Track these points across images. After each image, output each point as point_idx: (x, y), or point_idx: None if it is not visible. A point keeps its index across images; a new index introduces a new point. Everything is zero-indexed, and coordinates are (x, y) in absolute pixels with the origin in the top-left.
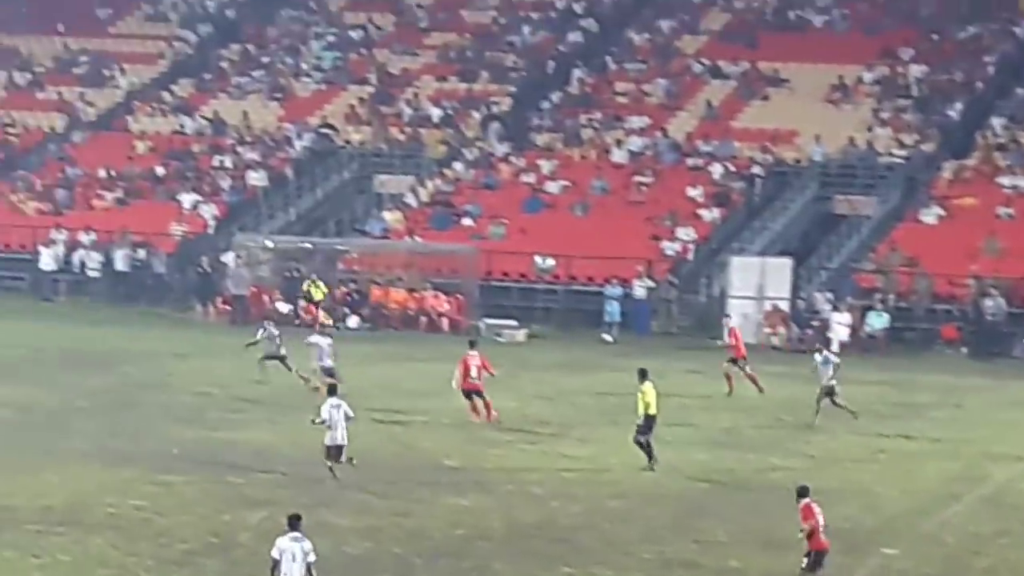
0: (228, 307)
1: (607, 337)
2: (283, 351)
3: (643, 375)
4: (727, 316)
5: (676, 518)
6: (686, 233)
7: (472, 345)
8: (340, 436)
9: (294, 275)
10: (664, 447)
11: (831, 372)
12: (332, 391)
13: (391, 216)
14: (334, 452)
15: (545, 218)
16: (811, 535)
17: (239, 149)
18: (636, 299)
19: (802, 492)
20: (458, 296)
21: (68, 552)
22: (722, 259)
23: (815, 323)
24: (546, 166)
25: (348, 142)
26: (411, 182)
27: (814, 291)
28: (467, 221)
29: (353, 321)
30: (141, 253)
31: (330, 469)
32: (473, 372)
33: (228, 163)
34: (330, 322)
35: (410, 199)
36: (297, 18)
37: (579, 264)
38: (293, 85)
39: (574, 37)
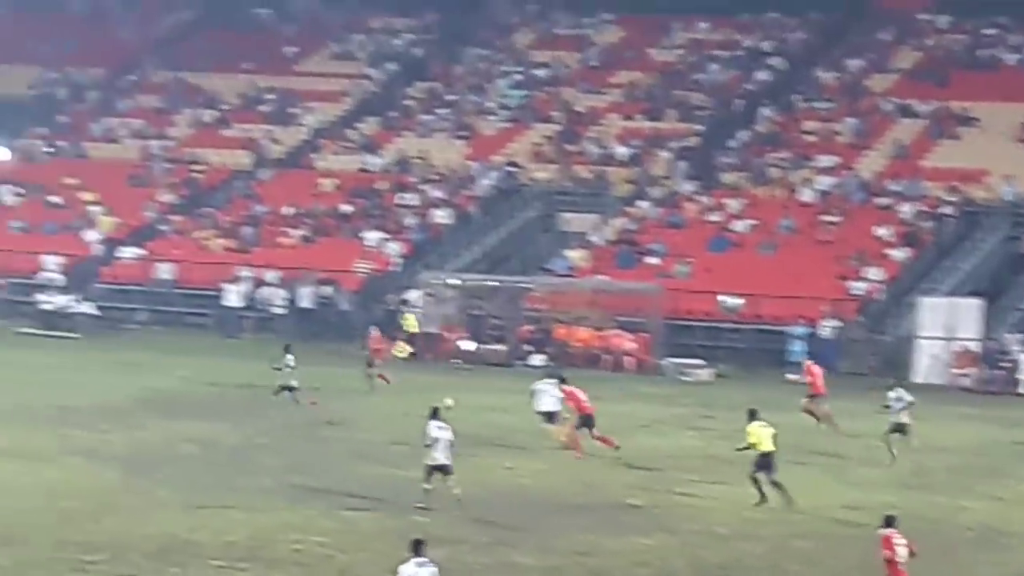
0: (412, 345)
1: (792, 377)
2: (294, 382)
3: (751, 415)
4: (807, 356)
5: (863, 560)
6: (874, 273)
7: (563, 381)
8: (443, 456)
9: (479, 313)
10: (851, 488)
11: (903, 407)
12: (435, 414)
13: (576, 254)
14: (435, 470)
15: (731, 257)
16: (889, 564)
17: (424, 187)
18: (822, 339)
19: (887, 522)
20: (643, 335)
21: None
22: (911, 299)
23: (1005, 364)
24: (733, 205)
25: (533, 180)
26: (596, 220)
27: (1004, 332)
28: (652, 259)
29: (537, 359)
30: (326, 290)
31: (425, 490)
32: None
33: (413, 201)
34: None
35: (595, 237)
36: (484, 56)
37: (765, 303)
38: (478, 123)
39: (762, 75)
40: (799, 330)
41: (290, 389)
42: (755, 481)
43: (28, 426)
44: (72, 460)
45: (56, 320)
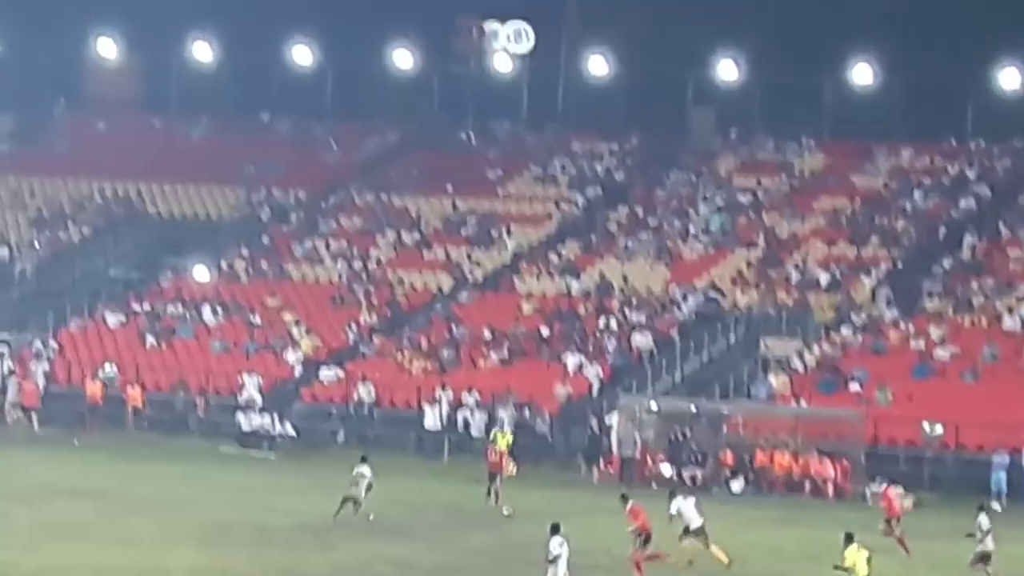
0: (615, 468)
1: (995, 506)
2: (362, 494)
3: (847, 539)
4: (880, 484)
5: None
6: None
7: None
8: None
9: (679, 438)
10: None
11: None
12: (555, 530)
13: (777, 380)
14: None
15: (934, 384)
16: None
17: (625, 311)
18: None
19: None
20: (844, 461)
21: None
22: None
23: None
24: (936, 332)
25: (735, 305)
26: (798, 346)
27: None
28: (854, 386)
29: (737, 485)
30: (525, 413)
31: None
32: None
33: (613, 324)
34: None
35: (796, 363)
36: (686, 181)
37: (967, 431)
38: (680, 248)
39: (966, 203)
40: (1002, 459)
41: (353, 501)
42: None
43: (226, 546)
44: None
45: (255, 440)
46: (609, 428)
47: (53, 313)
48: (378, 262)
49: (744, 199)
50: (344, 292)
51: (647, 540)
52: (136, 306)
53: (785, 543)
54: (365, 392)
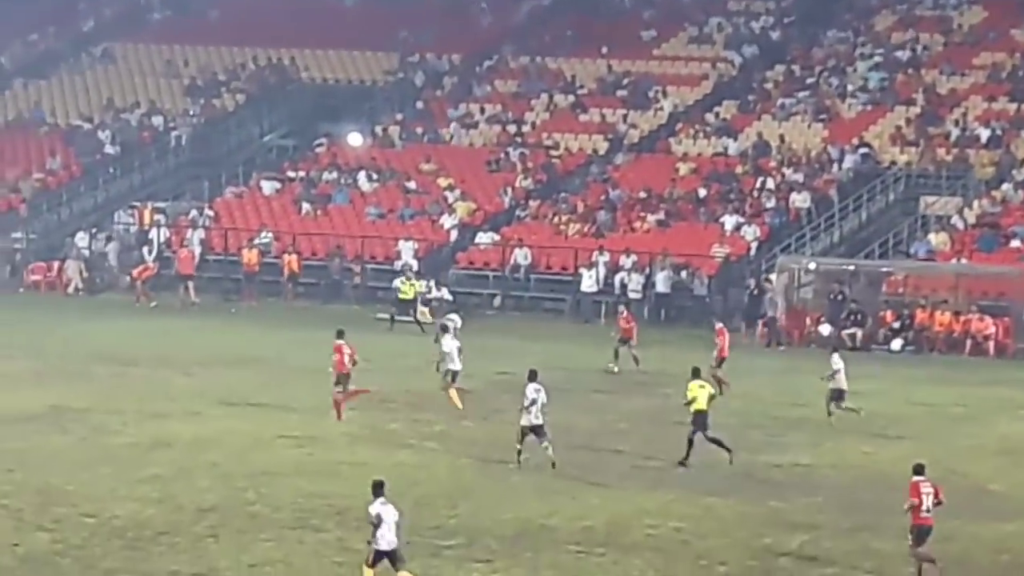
0: (767, 329)
1: None
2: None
3: (694, 373)
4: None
5: None
6: None
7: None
8: (535, 417)
9: (838, 298)
10: None
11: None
12: (532, 376)
13: (937, 238)
14: (527, 431)
15: None
16: (915, 510)
17: (782, 171)
18: None
19: (916, 470)
20: (1005, 319)
21: (607, 573)
22: None
23: None
24: None
25: (893, 163)
26: (958, 203)
27: None
28: (1015, 243)
29: (896, 343)
30: (682, 275)
31: (518, 452)
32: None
33: (771, 185)
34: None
35: (956, 221)
36: (843, 39)
37: None
38: (838, 106)
39: None
40: None
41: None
42: (689, 441)
43: (384, 412)
44: (427, 446)
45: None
46: (768, 288)
47: (208, 181)
48: (533, 125)
49: (902, 56)
50: (499, 157)
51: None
52: (291, 173)
53: (945, 401)
54: (521, 256)
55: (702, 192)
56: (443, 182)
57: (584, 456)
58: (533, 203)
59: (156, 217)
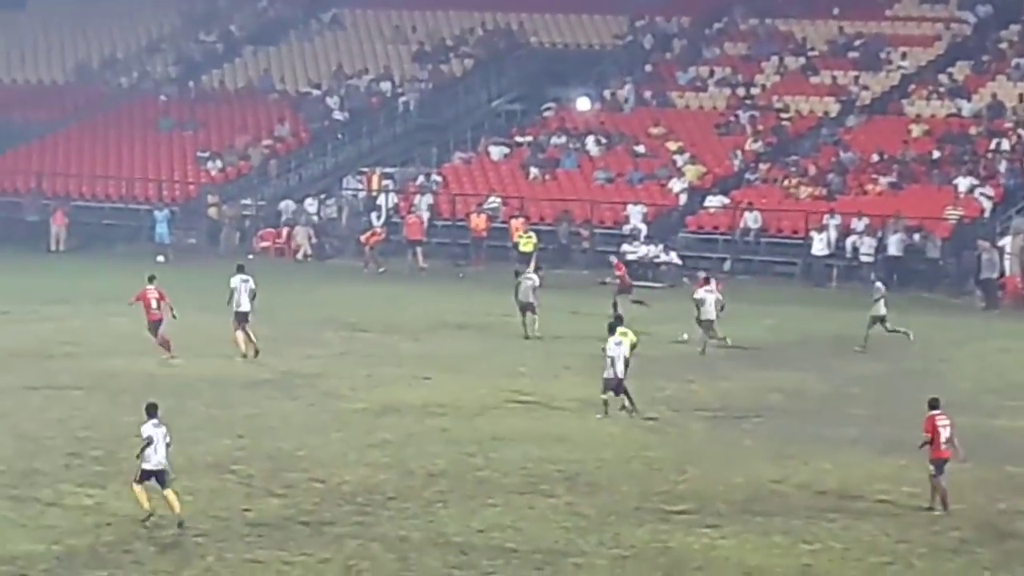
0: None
1: None
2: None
3: (618, 321)
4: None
5: None
6: None
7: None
8: (619, 371)
9: None
10: None
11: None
12: (612, 329)
13: None
14: (611, 384)
15: None
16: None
17: (1018, 132)
18: None
19: (931, 404)
20: None
21: (838, 538)
22: None
23: None
24: None
25: None
26: None
27: None
28: None
29: None
30: (915, 238)
31: (604, 403)
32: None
33: (1006, 146)
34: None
35: None
36: None
37: None
38: None
39: None
40: None
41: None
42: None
43: None
44: (658, 410)
45: (641, 270)
46: (984, 249)
47: (436, 147)
48: (763, 88)
49: None
50: (729, 119)
51: None
52: (519, 138)
53: None
54: (751, 220)
55: (935, 154)
56: (672, 145)
57: (815, 420)
58: (763, 166)
59: (384, 183)
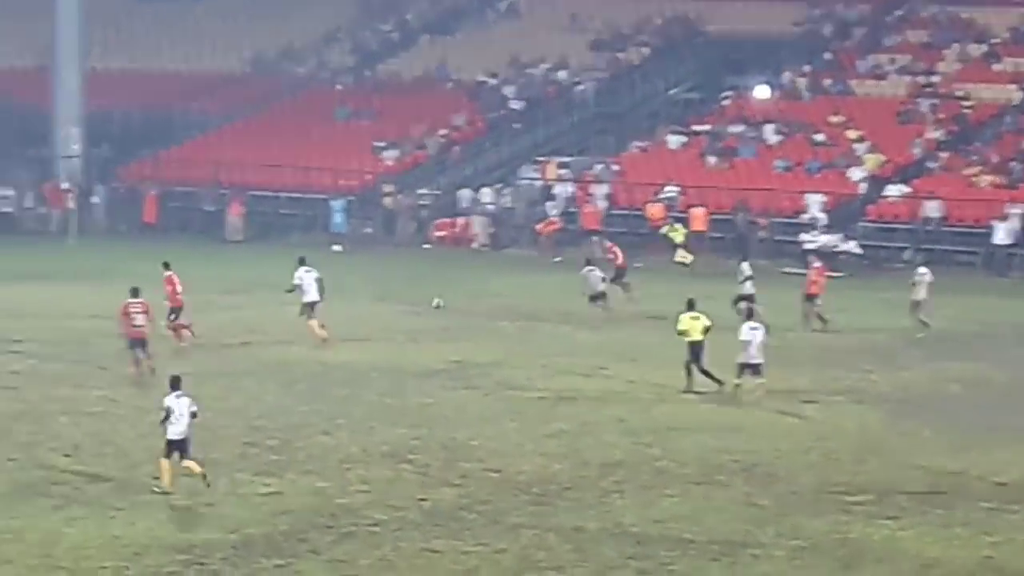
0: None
1: None
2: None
3: (687, 305)
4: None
5: None
6: None
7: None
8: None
9: None
10: None
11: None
12: (749, 315)
13: None
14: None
15: None
16: None
17: None
18: None
19: None
20: None
21: (1021, 530)
22: None
23: None
24: None
25: None
26: None
27: None
28: None
29: None
30: None
31: (736, 386)
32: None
33: None
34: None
35: None
36: None
37: None
38: None
39: None
40: None
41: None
42: (687, 369)
43: (790, 367)
44: (835, 400)
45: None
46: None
47: (613, 136)
48: (944, 76)
49: None
50: (910, 108)
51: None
52: (697, 127)
53: None
54: (932, 209)
55: None
56: (852, 134)
57: (996, 411)
58: (944, 155)
59: (560, 172)
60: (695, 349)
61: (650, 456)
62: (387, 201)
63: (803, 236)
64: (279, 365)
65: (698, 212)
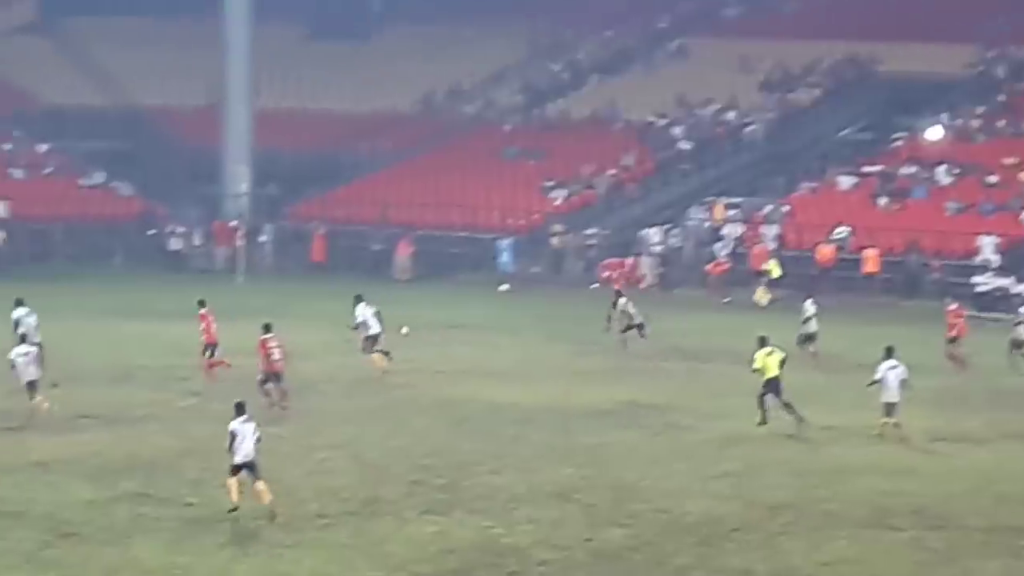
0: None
1: None
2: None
3: (760, 342)
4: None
5: None
6: None
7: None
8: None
9: None
10: None
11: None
12: (888, 354)
13: None
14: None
15: None
16: None
17: None
18: None
19: None
20: None
21: None
22: None
23: None
24: None
25: None
26: None
27: None
28: None
29: None
30: None
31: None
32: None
33: None
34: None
35: None
36: None
37: None
38: None
39: None
40: None
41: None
42: (759, 401)
43: (962, 410)
44: (1007, 443)
45: (991, 302)
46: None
47: (783, 177)
48: None
49: None
50: None
51: None
52: (867, 167)
53: None
54: None
55: None
56: None
57: None
58: None
59: (729, 212)
60: (774, 384)
61: (818, 498)
62: (555, 241)
63: (975, 279)
64: (446, 404)
65: (870, 254)
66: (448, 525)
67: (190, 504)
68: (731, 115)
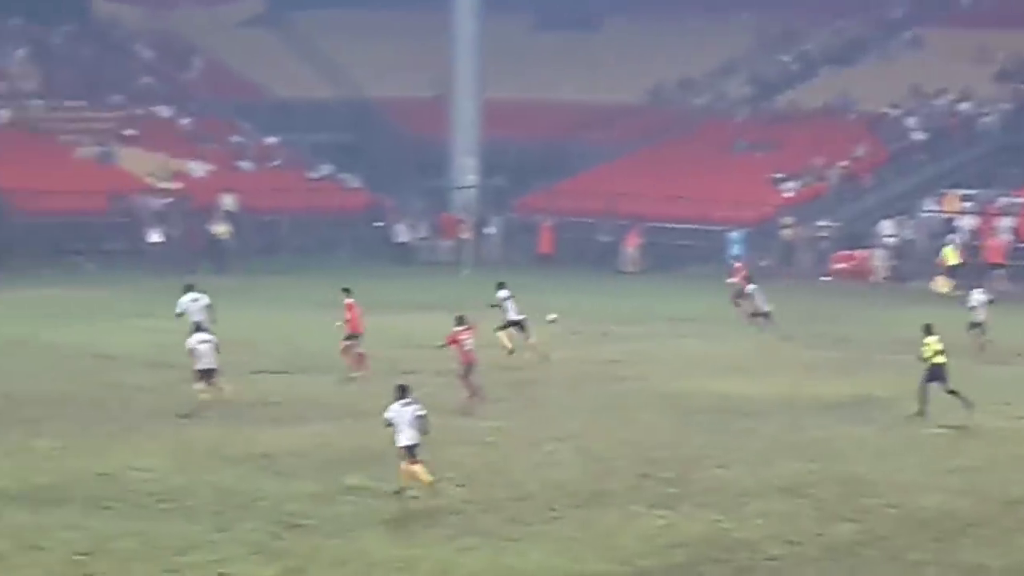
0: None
1: None
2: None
3: (925, 330)
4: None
5: None
6: None
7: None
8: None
9: None
10: None
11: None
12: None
13: None
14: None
15: None
16: None
17: None
18: None
19: None
20: None
21: None
22: None
23: None
24: None
25: None
26: None
27: None
28: None
29: None
30: None
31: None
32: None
33: None
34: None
35: None
36: None
37: None
38: None
39: None
40: None
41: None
42: (921, 392)
43: None
44: None
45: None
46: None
47: (1019, 168)
48: None
49: None
50: None
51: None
52: None
53: None
54: None
55: None
56: None
57: None
58: None
59: (963, 204)
60: (939, 371)
61: None
62: (785, 233)
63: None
64: (674, 397)
65: (993, 242)
66: (676, 519)
67: (415, 497)
68: (966, 106)
